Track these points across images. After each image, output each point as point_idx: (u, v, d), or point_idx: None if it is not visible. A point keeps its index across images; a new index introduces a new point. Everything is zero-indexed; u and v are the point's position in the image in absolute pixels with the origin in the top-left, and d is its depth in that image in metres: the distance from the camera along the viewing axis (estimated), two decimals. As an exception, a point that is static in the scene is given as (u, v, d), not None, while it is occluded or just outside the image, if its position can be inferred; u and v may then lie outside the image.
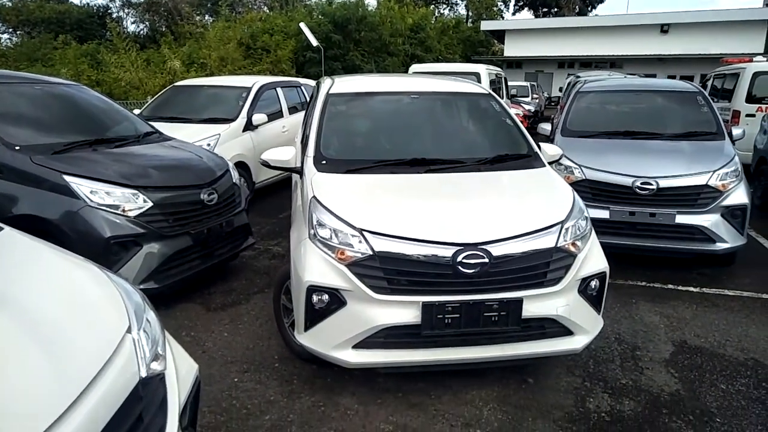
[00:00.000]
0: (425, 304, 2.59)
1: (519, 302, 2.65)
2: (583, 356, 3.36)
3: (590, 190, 4.80)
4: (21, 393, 1.21)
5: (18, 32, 33.78)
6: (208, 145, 6.07)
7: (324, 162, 3.38)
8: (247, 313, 3.98)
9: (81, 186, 3.52)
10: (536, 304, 2.70)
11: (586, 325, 2.88)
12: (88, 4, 39.91)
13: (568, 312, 2.75)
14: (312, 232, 2.83)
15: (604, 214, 4.70)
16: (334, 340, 2.68)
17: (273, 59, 21.24)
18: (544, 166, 3.61)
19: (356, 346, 2.66)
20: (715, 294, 4.45)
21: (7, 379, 1.22)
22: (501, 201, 3.17)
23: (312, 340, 2.77)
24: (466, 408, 2.88)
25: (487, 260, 2.61)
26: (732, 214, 4.63)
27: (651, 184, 4.60)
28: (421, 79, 4.74)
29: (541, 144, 3.90)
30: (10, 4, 33.15)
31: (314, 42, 19.30)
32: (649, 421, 2.78)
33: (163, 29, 32.30)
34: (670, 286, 4.57)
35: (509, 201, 3.18)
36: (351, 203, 2.92)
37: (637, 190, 4.63)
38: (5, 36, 33.73)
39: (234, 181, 4.57)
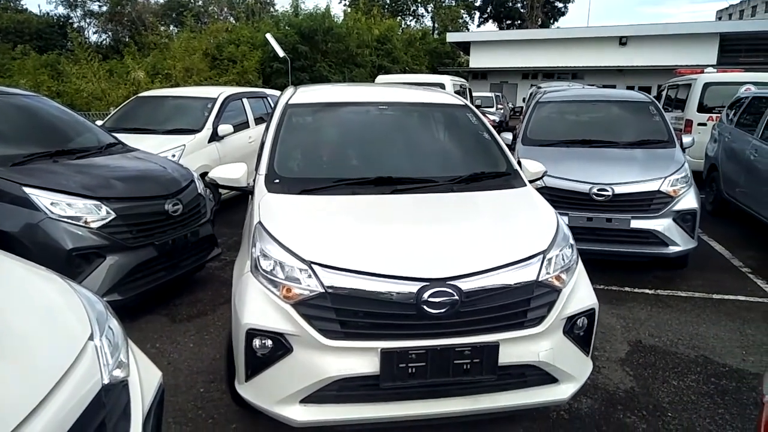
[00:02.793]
0: (385, 352, 2.20)
1: (495, 347, 2.27)
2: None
3: (549, 197, 4.92)
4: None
5: (-27, 42, 32.78)
6: (173, 155, 6.04)
7: (277, 181, 2.99)
8: (213, 323, 3.98)
9: (41, 198, 3.48)
10: (515, 349, 2.32)
11: (573, 371, 2.49)
12: (47, 13, 39.09)
13: (551, 357, 2.37)
14: (254, 264, 2.44)
15: (563, 220, 4.85)
16: (278, 394, 2.27)
17: (239, 70, 21.19)
18: (525, 185, 3.25)
19: (304, 401, 2.25)
20: (668, 295, 4.64)
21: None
22: (475, 227, 2.76)
23: (253, 392, 2.35)
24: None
25: (457, 298, 2.23)
26: (683, 219, 4.84)
27: (607, 191, 4.79)
28: (391, 89, 4.37)
29: (522, 160, 3.54)
30: (-35, 13, 32.17)
31: (281, 53, 19.31)
32: (605, 417, 2.90)
33: (127, 39, 31.77)
34: (627, 288, 4.75)
35: (484, 227, 2.78)
36: (301, 230, 2.54)
37: (594, 196, 4.81)
38: (-40, 45, 32.69)
39: (199, 191, 4.57)
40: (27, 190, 3.48)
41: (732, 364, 3.49)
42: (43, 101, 4.89)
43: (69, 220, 3.51)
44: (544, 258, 2.46)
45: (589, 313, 2.55)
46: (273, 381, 2.30)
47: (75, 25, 37.41)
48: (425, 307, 2.22)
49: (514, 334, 2.32)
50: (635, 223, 4.80)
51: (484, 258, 2.39)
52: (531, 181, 3.37)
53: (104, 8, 40.42)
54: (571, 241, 2.71)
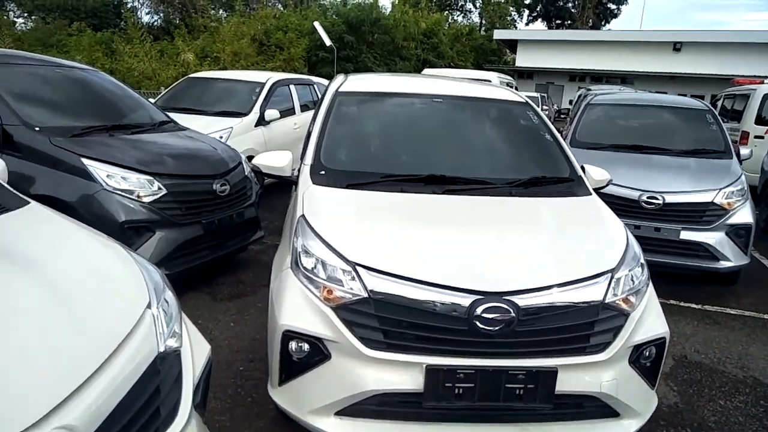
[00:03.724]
0: (430, 369, 2.02)
1: (553, 373, 2.06)
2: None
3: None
4: (50, 354, 1.26)
5: (33, 17, 33.99)
6: (221, 137, 6.13)
7: (322, 173, 2.84)
8: (254, 305, 4.03)
9: (98, 170, 3.58)
10: (574, 376, 2.11)
11: (638, 406, 2.26)
12: (104, -8, 40.14)
13: (615, 388, 2.15)
14: (295, 260, 2.30)
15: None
16: (312, 403, 2.13)
17: (286, 57, 21.40)
18: (590, 193, 2.99)
19: (340, 413, 2.10)
20: (716, 312, 4.48)
21: (36, 339, 1.27)
22: (535, 237, 2.56)
23: (286, 398, 2.23)
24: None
25: (513, 315, 2.03)
26: (736, 233, 4.66)
27: (657, 199, 4.64)
28: (445, 82, 4.10)
29: (586, 166, 3.28)
30: (26, -11, 33.34)
31: (327, 41, 19.40)
32: None
33: (177, 21, 32.46)
34: (672, 301, 4.60)
35: (546, 238, 2.56)
36: (346, 228, 2.40)
37: (643, 203, 4.67)
38: (20, 20, 33.97)
39: (246, 173, 4.63)
40: (85, 161, 3.58)
41: (783, 387, 3.35)
42: (101, 76, 5.03)
43: (123, 193, 3.61)
44: (612, 277, 2.23)
45: (658, 342, 2.32)
46: (308, 388, 2.16)
47: (129, 5, 38.37)
48: (478, 322, 2.03)
49: (574, 359, 2.11)
50: (685, 235, 4.64)
51: (546, 273, 2.19)
52: (595, 189, 3.10)
53: (157, -10, 41.34)
54: (642, 260, 2.46)
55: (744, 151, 5.64)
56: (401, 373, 2.05)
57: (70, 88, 4.47)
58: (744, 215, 4.70)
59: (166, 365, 1.57)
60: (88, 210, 3.50)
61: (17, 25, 32.26)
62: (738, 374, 3.49)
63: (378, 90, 3.73)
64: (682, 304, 4.58)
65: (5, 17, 30.04)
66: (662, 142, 5.60)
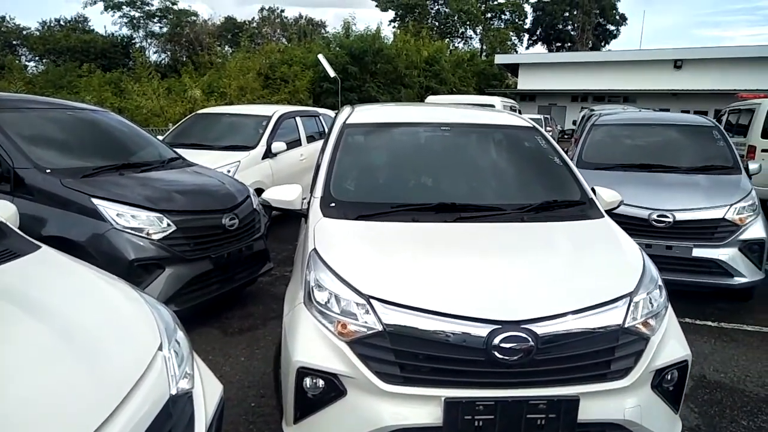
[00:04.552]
0: (449, 402, 1.98)
1: (575, 402, 2.02)
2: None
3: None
4: (62, 399, 1.26)
5: (44, 60, 34.91)
6: (229, 171, 6.19)
7: (333, 205, 2.83)
8: (264, 337, 4.01)
9: (108, 209, 3.62)
10: (597, 404, 2.06)
11: (662, 431, 2.24)
12: (112, 34, 41.27)
13: (639, 415, 2.10)
14: (308, 295, 2.29)
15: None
16: None
17: (291, 89, 21.75)
18: (602, 216, 2.96)
19: None
20: (733, 329, 4.40)
21: (49, 387, 1.27)
22: (551, 263, 2.52)
23: None
24: None
25: (532, 344, 2.00)
26: (750, 249, 4.61)
27: (667, 217, 4.61)
28: (451, 109, 4.14)
29: (597, 188, 3.25)
30: (38, 34, 34.29)
31: (332, 73, 19.72)
32: (669, 456, 2.75)
33: (184, 59, 33.18)
34: (688, 320, 4.53)
35: (562, 263, 2.53)
36: (359, 261, 2.38)
37: (654, 222, 4.63)
38: (32, 64, 34.88)
39: (254, 206, 4.65)
40: (95, 201, 3.62)
41: (807, 406, 3.26)
42: (110, 116, 5.12)
43: (132, 231, 3.63)
44: (630, 301, 2.20)
45: (681, 365, 2.27)
46: (324, 425, 2.13)
47: (137, 45, 39.29)
48: (496, 353, 1.99)
49: (596, 387, 2.06)
50: (698, 252, 4.59)
51: (564, 299, 2.15)
52: (607, 211, 3.07)
53: (164, 29, 42.41)
54: (660, 282, 2.42)
55: (753, 165, 5.62)
56: (419, 408, 2.02)
57: (80, 129, 4.55)
58: (757, 230, 4.66)
59: (179, 408, 1.56)
60: (98, 249, 3.53)
61: (29, 68, 33.11)
62: (760, 393, 3.40)
63: (385, 120, 3.74)
64: (698, 322, 4.50)
65: (17, 61, 30.83)
66: (670, 160, 5.59)
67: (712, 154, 5.65)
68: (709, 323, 4.49)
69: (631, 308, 2.19)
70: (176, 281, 3.77)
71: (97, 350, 1.48)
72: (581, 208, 3.02)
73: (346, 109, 3.81)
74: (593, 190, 3.22)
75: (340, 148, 3.25)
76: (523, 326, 2.03)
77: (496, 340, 2.00)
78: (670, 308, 2.43)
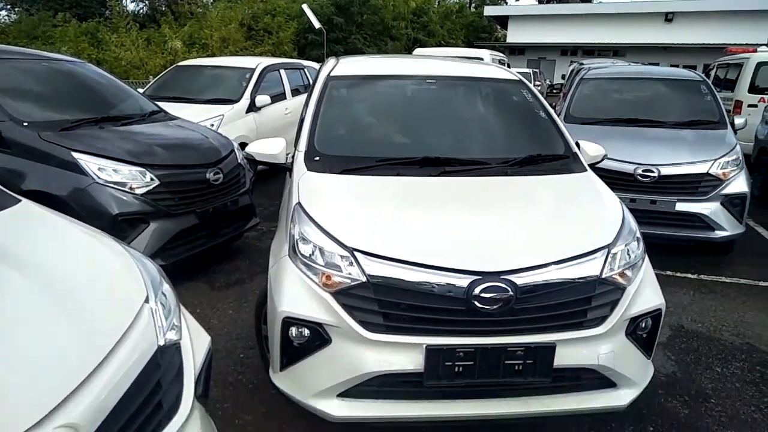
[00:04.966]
0: (430, 349, 2.06)
1: (551, 348, 2.11)
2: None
3: (592, 177, 4.84)
4: (49, 354, 1.26)
5: (16, 9, 33.43)
6: (212, 125, 6.08)
7: (317, 159, 2.84)
8: (252, 291, 4.04)
9: (89, 163, 3.55)
10: (572, 351, 2.15)
11: (634, 376, 2.31)
12: (87, -19, 39.45)
13: (611, 360, 2.19)
14: (292, 248, 2.32)
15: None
16: (314, 386, 2.17)
17: (275, 41, 21.16)
18: (585, 170, 3.00)
19: (342, 395, 2.14)
20: (712, 281, 4.52)
21: (35, 341, 1.27)
22: (532, 216, 2.59)
23: (288, 383, 2.27)
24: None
25: (511, 294, 2.06)
26: (731, 203, 4.68)
27: (652, 172, 4.64)
28: (438, 62, 4.12)
29: (581, 142, 3.26)
30: (8, -20, 32.74)
31: (316, 24, 19.17)
32: (646, 402, 2.85)
33: (163, 8, 31.96)
34: (669, 272, 4.63)
35: (542, 216, 2.61)
36: (342, 214, 2.42)
37: (639, 177, 4.67)
38: (3, 13, 33.41)
39: (239, 161, 4.60)
40: (75, 155, 3.55)
41: (779, 353, 3.39)
42: (88, 68, 4.96)
43: (115, 186, 3.59)
44: (608, 253, 2.25)
45: (654, 314, 2.35)
46: (309, 373, 2.20)
47: (113, -6, 37.71)
48: (476, 302, 2.05)
49: (572, 334, 2.14)
50: (681, 206, 4.65)
51: (543, 251, 2.21)
52: (590, 165, 3.10)
53: (142, -23, 40.64)
54: (638, 234, 2.48)
55: (738, 120, 5.64)
56: (401, 355, 2.08)
57: (57, 81, 4.41)
58: (739, 185, 4.72)
59: (167, 358, 1.57)
60: (81, 204, 3.48)
61: (0, 17, 31.77)
62: (734, 341, 3.53)
63: (370, 73, 3.70)
64: (678, 274, 4.61)
65: (-13, 10, 29.55)
66: (657, 115, 5.59)
67: (699, 109, 5.66)
68: (690, 275, 4.60)
69: (609, 259, 2.24)
70: (161, 236, 3.75)
71: (82, 303, 1.47)
72: (564, 161, 3.05)
73: (331, 61, 3.75)
74: (577, 144, 3.23)
75: (324, 101, 3.23)
76: (502, 277, 2.08)
77: (477, 290, 2.05)
78: (646, 259, 2.49)
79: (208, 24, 20.75)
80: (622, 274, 2.26)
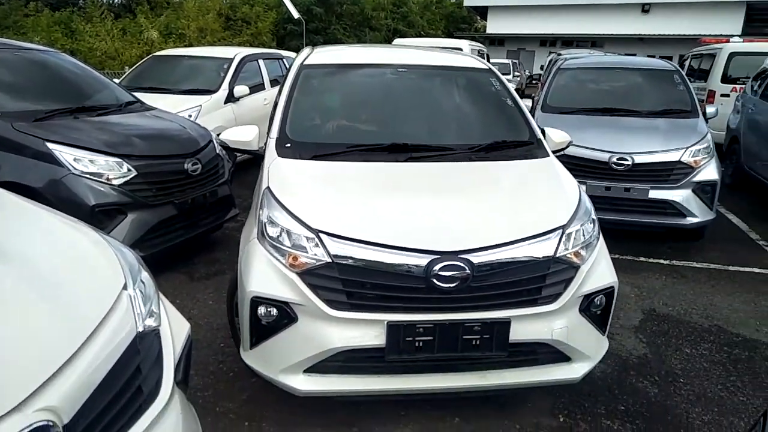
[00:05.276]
0: (391, 325, 2.16)
1: (506, 324, 2.22)
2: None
3: (567, 165, 4.89)
4: (27, 339, 1.26)
5: (-14, -2, 32.51)
6: (190, 116, 6.03)
7: (288, 145, 2.91)
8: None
9: (64, 153, 3.51)
10: (528, 326, 2.27)
11: (587, 350, 2.43)
12: (59, -31, 38.48)
13: (565, 335, 2.31)
14: (261, 231, 2.40)
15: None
16: (282, 363, 2.27)
17: (253, 31, 20.87)
18: (548, 155, 3.12)
19: (308, 371, 2.25)
20: (683, 266, 4.64)
21: (13, 326, 1.28)
22: (491, 199, 2.71)
23: (257, 360, 2.37)
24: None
25: (468, 272, 2.17)
26: (702, 190, 4.81)
27: (627, 160, 4.74)
28: (411, 52, 4.19)
29: (547, 129, 3.40)
30: (-23, -32, 31.77)
31: (295, 14, 19.03)
32: (618, 382, 2.95)
33: (139, -2, 31.36)
34: (642, 258, 4.74)
35: (501, 199, 2.73)
36: (310, 198, 2.50)
37: (613, 165, 4.77)
38: (-28, 1, 32.45)
39: (217, 151, 4.58)
40: (50, 145, 3.51)
41: (746, 334, 3.52)
42: (61, 57, 4.88)
43: (92, 177, 3.55)
44: (563, 233, 2.36)
45: (607, 291, 2.46)
46: (277, 350, 2.30)
47: (87, -17, 36.85)
48: (435, 280, 2.16)
49: (527, 310, 2.26)
50: (654, 194, 4.77)
51: (499, 231, 2.32)
52: (555, 152, 3.22)
53: (116, -35, 39.78)
54: (593, 215, 2.61)
55: (710, 109, 5.77)
56: (364, 331, 2.20)
57: (30, 71, 4.33)
58: (710, 172, 4.84)
59: (146, 344, 1.59)
60: (57, 195, 3.44)
61: (-31, 6, 30.82)
62: (703, 323, 3.64)
63: (343, 62, 3.77)
64: (651, 260, 4.72)
65: (-45, -1, 28.64)
66: (631, 104, 5.70)
67: (672, 98, 5.77)
68: (662, 261, 4.72)
69: (563, 239, 2.36)
70: (140, 227, 3.73)
71: (60, 290, 1.48)
72: (528, 148, 3.16)
73: (306, 50, 3.82)
74: (543, 131, 3.34)
75: (296, 89, 3.30)
76: (460, 256, 2.19)
77: (435, 269, 2.16)
78: (602, 239, 2.63)
79: (185, 14, 20.36)
80: (576, 254, 2.37)
